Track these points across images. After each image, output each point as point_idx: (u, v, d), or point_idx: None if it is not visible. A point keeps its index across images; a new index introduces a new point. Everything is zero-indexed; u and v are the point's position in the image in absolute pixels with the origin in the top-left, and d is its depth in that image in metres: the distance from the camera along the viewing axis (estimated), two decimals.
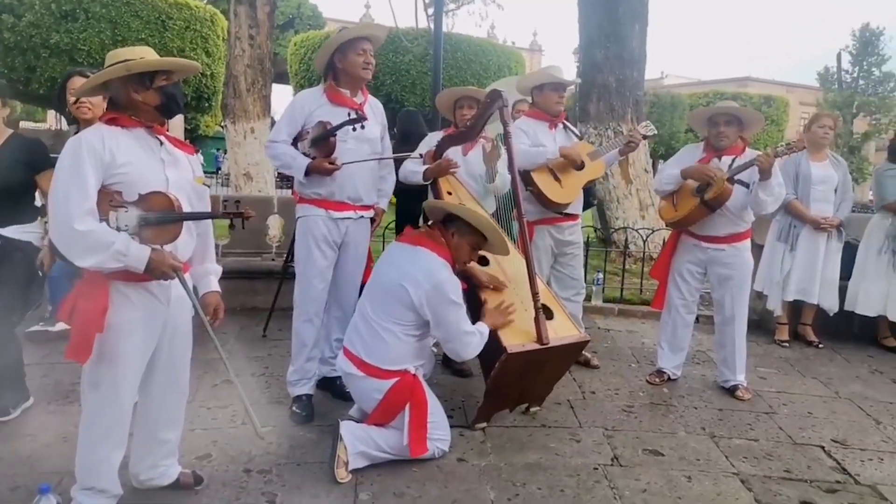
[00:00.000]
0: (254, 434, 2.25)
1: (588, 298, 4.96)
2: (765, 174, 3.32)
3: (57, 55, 9.94)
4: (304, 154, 3.00)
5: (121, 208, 1.98)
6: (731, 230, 3.57)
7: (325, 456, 2.65)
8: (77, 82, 3.14)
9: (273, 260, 5.25)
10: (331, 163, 2.93)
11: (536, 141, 3.65)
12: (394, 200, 3.68)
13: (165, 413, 2.33)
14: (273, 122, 4.03)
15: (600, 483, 2.64)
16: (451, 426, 2.89)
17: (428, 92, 11.67)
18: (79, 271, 2.09)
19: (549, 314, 3.07)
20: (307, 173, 2.97)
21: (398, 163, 3.43)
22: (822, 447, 3.07)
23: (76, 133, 2.35)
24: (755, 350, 4.47)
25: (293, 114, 3.06)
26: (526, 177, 3.56)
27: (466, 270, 3.00)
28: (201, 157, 25.64)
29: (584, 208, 4.14)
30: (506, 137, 3.04)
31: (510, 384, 3.02)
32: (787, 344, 4.71)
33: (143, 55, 2.12)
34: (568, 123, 3.90)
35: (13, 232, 2.99)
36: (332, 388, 3.35)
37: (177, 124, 22.54)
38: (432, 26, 7.49)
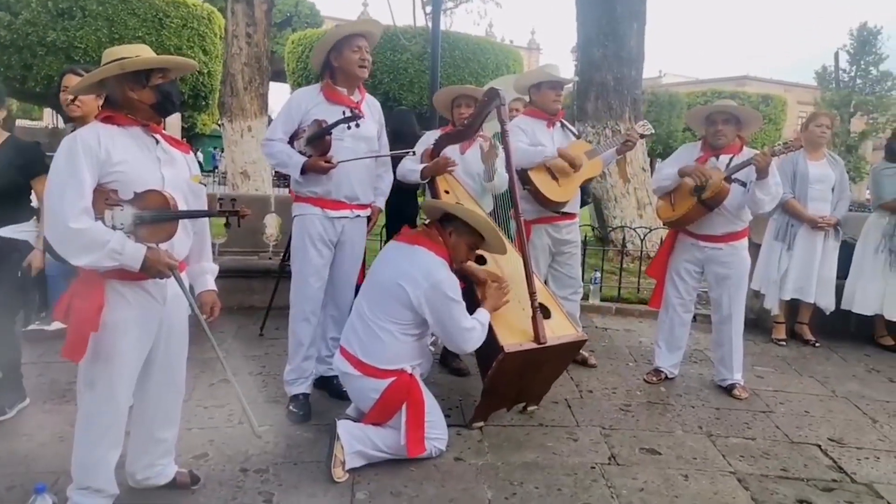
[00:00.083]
0: (251, 433, 2.25)
1: (585, 297, 4.97)
2: (762, 173, 3.32)
3: (53, 53, 9.92)
4: (301, 152, 2.99)
5: (116, 207, 1.97)
6: (728, 229, 3.57)
7: (322, 455, 2.64)
8: (71, 80, 3.12)
9: (270, 259, 5.25)
10: (327, 161, 2.92)
11: (534, 139, 3.65)
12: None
13: (162, 412, 2.32)
14: (270, 121, 4.02)
15: (597, 482, 2.64)
16: (449, 425, 2.89)
17: (426, 90, 11.67)
18: (75, 270, 2.08)
19: (546, 313, 3.07)
20: (303, 172, 2.96)
21: (395, 161, 3.42)
22: (819, 446, 3.08)
23: (73, 131, 2.34)
24: (752, 349, 4.47)
25: (290, 112, 3.05)
26: (523, 175, 3.56)
27: (464, 269, 2.99)
28: (201, 156, 25.67)
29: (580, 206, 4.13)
30: (503, 136, 3.03)
31: (507, 383, 3.02)
32: (784, 343, 4.71)
33: (140, 53, 2.11)
34: (566, 122, 3.90)
35: (10, 232, 2.98)
36: (329, 387, 3.34)
37: (174, 122, 22.52)
38: (430, 24, 7.48)
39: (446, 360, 3.86)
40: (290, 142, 3.05)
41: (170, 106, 2.17)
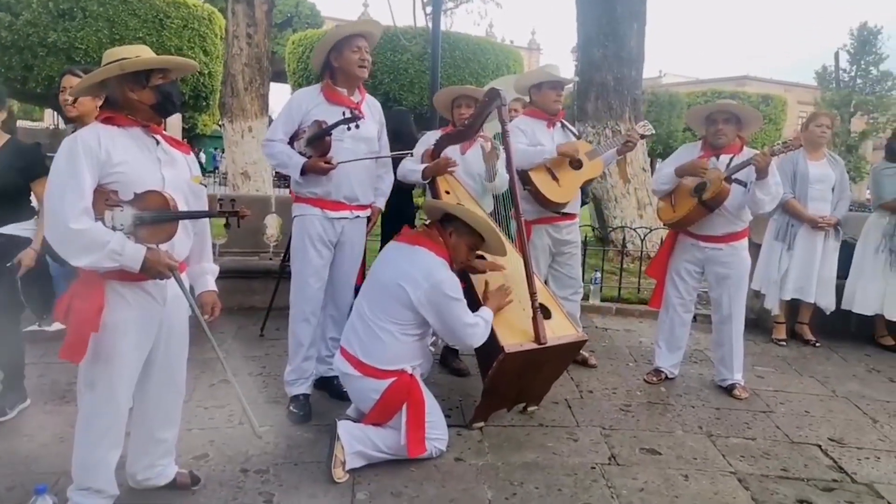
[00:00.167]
0: (251, 434, 2.25)
1: (586, 297, 4.97)
2: (761, 173, 3.32)
3: (54, 54, 9.91)
4: (301, 153, 2.99)
5: (116, 207, 1.98)
6: (728, 229, 3.57)
7: (323, 455, 2.65)
8: (70, 81, 3.13)
9: (270, 259, 5.24)
10: (326, 162, 2.92)
11: (534, 140, 3.65)
12: None
13: (162, 413, 2.33)
14: (271, 121, 4.02)
15: (597, 482, 2.64)
16: (449, 426, 2.89)
17: (426, 91, 11.65)
18: (75, 271, 2.08)
19: (546, 313, 3.07)
20: (303, 172, 2.96)
21: (395, 162, 3.43)
22: (819, 446, 3.08)
23: (73, 132, 2.34)
24: (752, 349, 4.47)
25: (290, 112, 3.05)
26: (524, 176, 3.56)
27: (464, 267, 2.99)
28: (203, 157, 25.64)
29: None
30: (504, 136, 3.03)
31: (508, 384, 3.02)
32: (784, 343, 4.71)
33: (139, 54, 2.11)
34: (566, 122, 3.90)
35: (12, 229, 3.00)
36: (330, 387, 3.34)
37: (174, 123, 22.53)
38: (430, 25, 7.48)
39: (446, 361, 3.86)
40: (291, 142, 3.06)
41: (170, 106, 2.17)
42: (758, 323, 4.93)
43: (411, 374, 2.73)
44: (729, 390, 3.68)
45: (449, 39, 14.08)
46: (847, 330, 4.89)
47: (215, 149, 26.56)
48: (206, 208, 2.33)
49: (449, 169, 3.40)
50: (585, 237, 5.41)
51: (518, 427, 3.12)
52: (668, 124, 24.15)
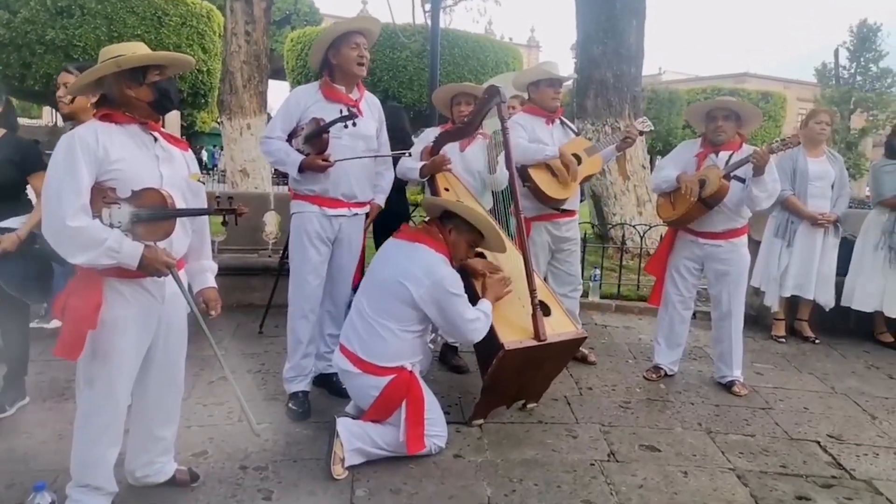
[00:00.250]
0: (250, 431, 2.24)
1: (585, 295, 4.97)
2: (759, 171, 3.32)
3: (52, 52, 9.90)
4: (299, 150, 2.99)
5: (114, 205, 1.97)
6: (728, 226, 3.57)
7: (322, 452, 2.65)
8: (65, 78, 3.12)
9: (269, 256, 5.24)
10: (324, 160, 2.91)
11: (534, 136, 3.64)
12: None
13: (161, 410, 2.33)
14: (269, 119, 4.02)
15: (597, 479, 2.64)
16: (448, 423, 2.89)
17: (425, 88, 11.65)
18: (72, 269, 2.08)
19: (546, 310, 3.07)
20: (301, 170, 2.96)
21: (394, 160, 3.42)
22: (818, 442, 3.08)
23: (71, 129, 2.34)
24: (752, 346, 4.48)
25: (288, 110, 3.04)
26: (523, 173, 3.55)
27: (463, 264, 2.99)
28: (205, 155, 25.58)
29: None
30: (503, 134, 3.03)
31: (507, 380, 3.02)
32: (783, 339, 4.72)
33: (136, 50, 2.10)
34: (565, 119, 3.90)
35: (13, 223, 3.01)
36: (329, 384, 3.34)
37: (173, 120, 22.49)
38: (429, 22, 7.46)
39: (446, 358, 3.86)
40: (289, 140, 3.05)
41: (167, 103, 2.16)
42: (757, 320, 4.93)
43: (411, 371, 2.73)
44: (728, 387, 3.68)
45: (448, 37, 14.06)
46: (846, 327, 4.90)
47: (214, 146, 26.54)
48: (205, 206, 2.33)
49: (446, 167, 3.39)
50: (585, 234, 5.41)
51: (517, 424, 3.12)
52: (668, 121, 24.15)
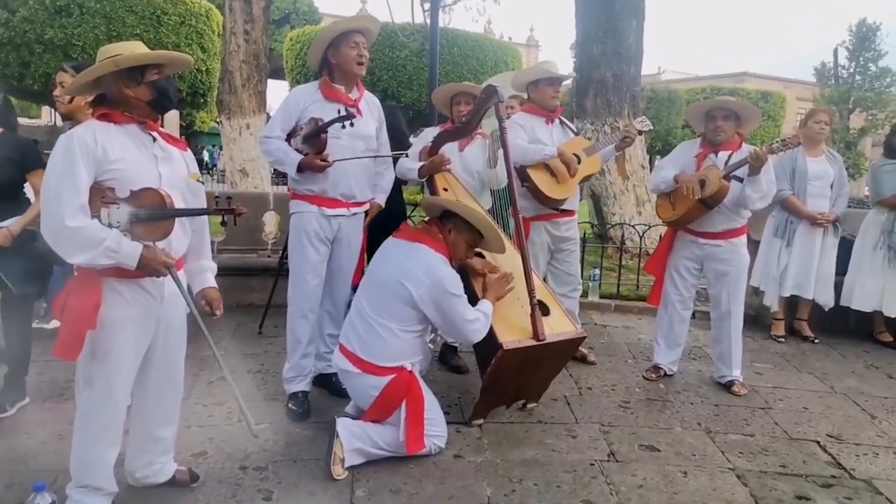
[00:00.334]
0: (250, 431, 2.25)
1: (584, 294, 4.97)
2: (754, 171, 3.32)
3: (51, 51, 9.90)
4: (298, 150, 2.98)
5: (112, 205, 1.97)
6: (727, 226, 3.57)
7: (322, 453, 2.64)
8: (61, 77, 3.12)
9: (269, 256, 5.24)
10: (322, 159, 2.91)
11: (533, 136, 3.64)
12: None
13: (161, 410, 2.32)
14: (269, 118, 4.02)
15: (596, 479, 2.64)
16: (448, 423, 2.89)
17: (424, 87, 11.64)
18: (71, 269, 2.08)
19: (545, 310, 3.07)
20: (300, 170, 2.96)
21: (393, 160, 3.42)
22: (818, 442, 3.08)
23: (70, 129, 2.34)
24: (751, 345, 4.48)
25: (287, 109, 3.04)
26: (522, 173, 3.55)
27: (462, 264, 2.99)
28: (206, 155, 25.53)
29: None
30: (501, 134, 3.03)
31: (507, 380, 3.02)
32: (783, 339, 4.72)
33: (134, 50, 2.09)
34: (564, 119, 3.89)
35: (13, 222, 3.00)
36: (329, 384, 3.34)
37: (172, 120, 22.45)
38: (428, 21, 7.46)
39: (445, 358, 3.86)
40: (288, 139, 3.05)
41: (166, 102, 2.16)
42: (756, 319, 4.94)
43: (410, 371, 2.73)
44: (728, 387, 3.68)
45: (447, 36, 14.05)
46: (846, 326, 4.90)
47: (213, 146, 26.53)
48: (204, 205, 2.32)
49: (445, 167, 3.39)
50: (584, 234, 5.41)
51: (517, 424, 3.12)
52: (667, 121, 24.15)
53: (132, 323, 2.10)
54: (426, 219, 3.05)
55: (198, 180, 2.30)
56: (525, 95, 3.93)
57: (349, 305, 3.00)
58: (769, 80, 35.66)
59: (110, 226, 1.96)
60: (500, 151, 3.39)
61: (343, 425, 2.60)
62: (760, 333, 4.81)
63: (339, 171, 3.00)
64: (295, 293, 3.13)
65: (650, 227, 6.11)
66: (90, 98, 2.19)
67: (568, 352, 3.21)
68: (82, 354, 2.02)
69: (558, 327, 3.02)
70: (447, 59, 14.18)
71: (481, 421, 3.08)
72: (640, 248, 6.14)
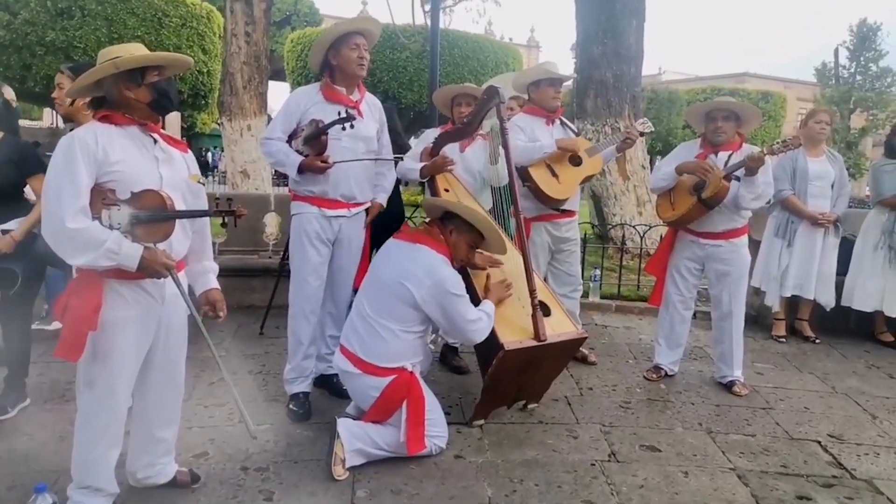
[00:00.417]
0: (248, 432, 2.25)
1: (585, 295, 4.97)
2: (751, 171, 3.33)
3: (53, 53, 9.91)
4: (298, 151, 2.99)
5: (113, 206, 1.97)
6: (728, 226, 3.57)
7: (323, 453, 2.65)
8: (58, 79, 3.14)
9: (270, 257, 5.25)
10: (323, 161, 2.92)
11: (533, 137, 3.64)
12: None
13: (162, 411, 2.32)
14: (270, 120, 4.03)
15: (597, 479, 2.64)
16: (449, 423, 2.89)
17: (425, 89, 11.65)
18: (71, 271, 2.09)
19: (546, 311, 3.07)
20: (300, 171, 2.96)
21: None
22: (819, 442, 3.08)
23: (71, 131, 2.34)
24: (752, 346, 4.48)
25: (288, 111, 3.05)
26: (523, 172, 3.56)
27: (464, 264, 2.99)
28: (210, 156, 25.52)
29: None
30: (502, 135, 3.03)
31: (508, 381, 3.02)
32: (783, 339, 4.72)
33: (134, 52, 2.10)
34: (565, 120, 3.90)
35: (14, 225, 3.02)
36: (330, 385, 3.34)
37: (174, 122, 22.50)
38: (429, 23, 7.47)
39: (446, 358, 3.86)
40: (289, 141, 3.05)
41: (167, 104, 2.17)
42: (757, 320, 4.93)
43: (411, 372, 2.73)
44: (728, 387, 3.68)
45: (448, 37, 14.06)
46: (846, 326, 4.90)
47: (214, 147, 26.55)
48: (206, 207, 2.33)
49: (447, 167, 3.40)
50: (585, 234, 5.41)
51: (518, 424, 3.12)
52: (668, 122, 24.13)
53: (133, 324, 2.10)
54: (427, 220, 3.05)
55: (199, 182, 2.31)
56: (526, 96, 3.93)
57: (351, 307, 3.01)
58: (770, 81, 35.64)
59: (111, 227, 1.96)
60: (501, 147, 3.40)
61: (344, 426, 2.61)
62: (761, 333, 4.81)
63: (340, 173, 3.00)
64: (296, 294, 3.13)
65: (651, 227, 6.11)
66: (87, 99, 2.20)
67: (569, 352, 3.21)
68: (83, 356, 2.02)
69: (559, 328, 3.03)
70: (448, 60, 14.18)
71: (482, 421, 3.08)
72: (641, 249, 6.13)
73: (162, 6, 10.67)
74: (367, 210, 3.23)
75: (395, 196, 3.56)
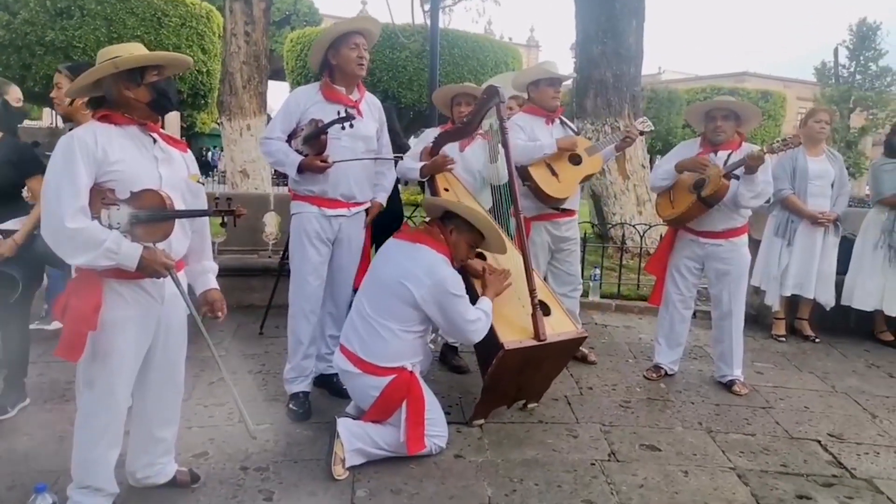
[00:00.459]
0: (248, 432, 2.25)
1: (585, 294, 4.97)
2: (751, 169, 3.33)
3: (52, 53, 9.92)
4: (298, 151, 2.99)
5: (113, 206, 1.97)
6: (728, 225, 3.57)
7: (323, 453, 2.65)
8: (56, 78, 3.14)
9: (269, 257, 5.24)
10: (322, 160, 2.92)
11: (533, 137, 3.64)
12: None
13: (161, 411, 2.32)
14: (269, 119, 4.04)
15: (597, 478, 2.64)
16: (449, 423, 2.89)
17: (425, 88, 11.66)
18: (69, 270, 2.09)
19: (546, 310, 3.07)
20: (300, 171, 2.96)
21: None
22: (819, 441, 3.08)
23: (71, 130, 2.34)
24: (752, 345, 4.48)
25: (288, 110, 3.05)
26: (523, 172, 3.56)
27: (463, 265, 2.99)
28: (211, 157, 25.49)
29: None
30: (502, 135, 3.03)
31: (507, 380, 3.02)
32: (783, 339, 4.72)
33: (133, 51, 2.10)
34: (565, 119, 3.90)
35: (14, 224, 3.02)
36: (329, 385, 3.34)
37: (173, 121, 22.49)
38: (429, 22, 7.47)
39: (446, 358, 3.86)
40: (289, 140, 3.05)
41: (166, 103, 2.16)
42: (757, 319, 4.93)
43: (411, 372, 2.73)
44: (728, 386, 3.68)
45: (447, 37, 14.08)
46: (846, 326, 4.90)
47: (214, 147, 26.54)
48: (205, 207, 2.33)
49: (447, 167, 3.40)
50: (585, 234, 5.41)
51: (518, 424, 3.12)
52: (668, 121, 24.14)
53: (132, 324, 2.10)
54: (427, 219, 3.05)
55: (198, 181, 2.31)
56: (525, 96, 3.93)
57: (351, 306, 3.01)
58: (769, 80, 35.65)
59: (110, 227, 1.96)
60: (500, 145, 3.40)
61: (344, 425, 2.61)
62: (761, 333, 4.81)
63: (340, 172, 3.00)
64: (296, 294, 3.13)
65: (651, 226, 6.11)
66: (85, 99, 2.20)
67: (569, 352, 3.21)
68: (83, 356, 2.02)
69: (559, 327, 3.03)
70: (447, 59, 14.20)
71: (482, 421, 3.08)
72: (641, 248, 6.14)
73: (161, 6, 10.68)
74: (367, 210, 3.23)
75: (393, 195, 3.56)
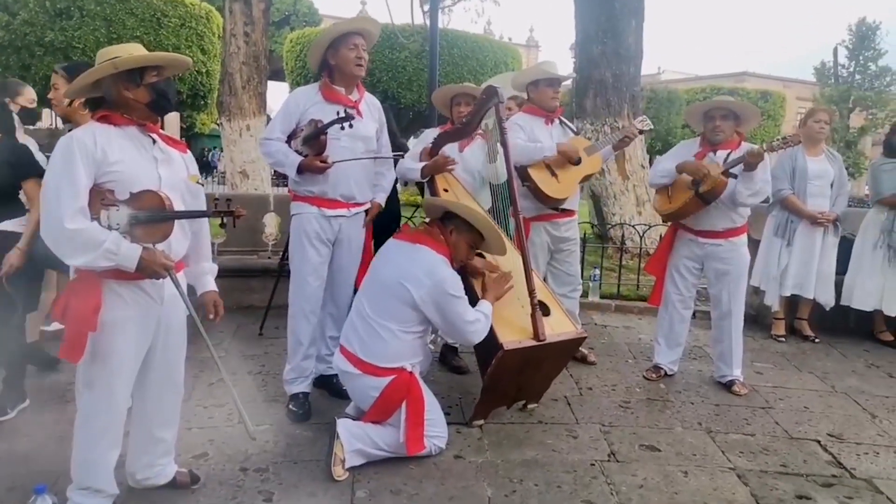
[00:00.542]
0: (247, 433, 2.25)
1: (585, 295, 4.97)
2: (750, 167, 3.33)
3: (52, 53, 9.92)
4: (298, 152, 2.99)
5: (112, 207, 1.97)
6: (727, 225, 3.57)
7: (322, 454, 2.65)
8: (53, 79, 3.14)
9: (269, 258, 5.24)
10: (322, 161, 2.92)
11: (533, 137, 3.64)
12: None
13: (161, 412, 2.32)
14: (269, 120, 4.04)
15: (597, 479, 2.64)
16: (448, 423, 2.89)
17: (424, 88, 11.65)
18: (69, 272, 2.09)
19: (545, 311, 3.07)
20: (299, 171, 2.96)
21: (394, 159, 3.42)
22: (819, 441, 3.08)
23: (70, 131, 2.34)
24: (752, 345, 4.48)
25: (287, 111, 3.05)
26: (522, 172, 3.56)
27: (463, 266, 2.99)
28: (213, 157, 25.48)
29: None
30: (501, 135, 3.03)
31: (507, 381, 3.02)
32: (783, 339, 4.72)
33: (132, 52, 2.10)
34: (564, 119, 3.90)
35: (10, 225, 3.03)
36: (329, 385, 3.34)
37: (173, 122, 22.48)
38: (428, 22, 7.46)
39: (446, 358, 3.86)
40: (289, 141, 3.05)
41: (165, 104, 2.16)
42: (757, 319, 4.94)
43: (411, 372, 2.73)
44: (728, 386, 3.68)
45: (447, 37, 14.07)
46: (846, 326, 4.90)
47: (213, 147, 26.54)
48: (205, 207, 2.33)
49: (448, 167, 3.40)
50: (584, 234, 5.41)
51: (517, 424, 3.12)
52: (667, 121, 24.16)
53: (132, 324, 2.10)
54: (427, 220, 3.05)
55: (197, 182, 2.31)
56: (525, 96, 3.93)
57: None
58: (769, 80, 35.65)
59: (110, 228, 1.96)
60: (499, 144, 3.40)
61: (343, 426, 2.61)
62: (761, 333, 4.81)
63: (339, 173, 3.00)
64: (296, 294, 3.13)
65: (650, 227, 6.11)
66: (82, 100, 2.20)
67: (568, 352, 3.21)
68: (83, 357, 2.02)
69: (559, 327, 3.03)
70: (447, 60, 14.19)
71: (482, 421, 3.08)
72: (641, 248, 6.14)
73: (161, 6, 10.69)
74: (366, 210, 3.23)
75: (392, 195, 3.57)
